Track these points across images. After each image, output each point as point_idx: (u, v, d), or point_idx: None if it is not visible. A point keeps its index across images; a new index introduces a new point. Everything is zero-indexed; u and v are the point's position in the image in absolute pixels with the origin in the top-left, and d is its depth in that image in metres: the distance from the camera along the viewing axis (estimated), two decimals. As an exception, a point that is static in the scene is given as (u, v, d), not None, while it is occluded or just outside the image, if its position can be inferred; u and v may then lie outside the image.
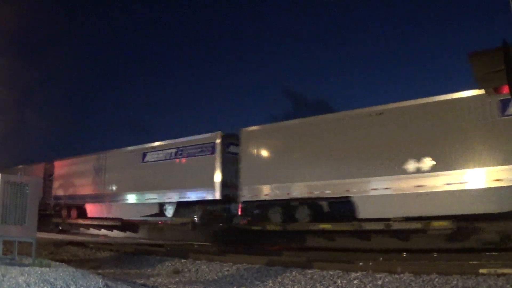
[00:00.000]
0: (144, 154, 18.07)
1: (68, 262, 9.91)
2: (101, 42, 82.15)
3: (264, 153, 14.47)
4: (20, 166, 25.62)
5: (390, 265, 8.46)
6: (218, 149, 15.44)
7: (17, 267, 6.01)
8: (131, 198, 18.36)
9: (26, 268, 5.93)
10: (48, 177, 23.45)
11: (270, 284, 8.06)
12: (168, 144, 17.37)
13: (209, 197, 15.43)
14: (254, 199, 14.24)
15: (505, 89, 5.56)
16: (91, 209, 20.43)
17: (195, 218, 16.21)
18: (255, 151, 14.57)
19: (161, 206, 17.15)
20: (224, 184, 15.13)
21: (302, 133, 13.70)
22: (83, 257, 12.63)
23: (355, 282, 7.70)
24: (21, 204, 7.53)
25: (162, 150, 17.41)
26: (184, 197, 16.29)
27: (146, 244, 15.86)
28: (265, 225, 13.91)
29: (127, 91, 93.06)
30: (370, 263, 8.74)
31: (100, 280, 5.70)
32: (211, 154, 15.54)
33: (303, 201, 13.34)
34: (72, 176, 22.10)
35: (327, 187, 12.63)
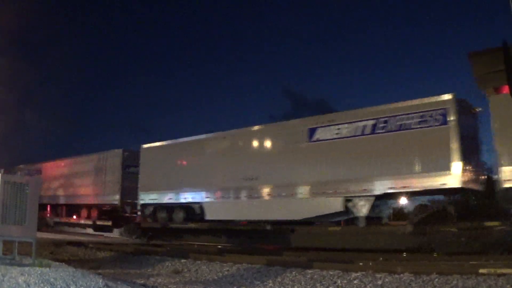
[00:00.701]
0: (312, 130, 13.76)
1: (68, 262, 9.90)
2: (101, 42, 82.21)
3: None
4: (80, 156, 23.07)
5: (390, 265, 8.48)
6: (452, 117, 11.29)
7: (17, 267, 6.00)
8: (286, 191, 14.11)
9: (26, 268, 5.92)
10: (125, 169, 19.54)
11: (270, 284, 8.06)
12: (358, 114, 13.09)
13: (439, 185, 11.48)
14: None
15: (505, 89, 5.57)
16: (213, 209, 15.83)
17: (414, 217, 12.50)
18: None
19: (346, 201, 13.02)
20: (465, 166, 11.32)
21: None
22: (83, 257, 12.63)
23: (355, 282, 7.70)
24: (21, 204, 7.53)
25: (347, 123, 13.08)
26: (394, 187, 12.14)
27: (146, 244, 15.86)
28: None
29: (127, 91, 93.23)
30: (370, 263, 8.75)
31: (100, 280, 5.69)
32: (440, 125, 11.45)
33: None
34: (173, 166, 17.19)
35: None
